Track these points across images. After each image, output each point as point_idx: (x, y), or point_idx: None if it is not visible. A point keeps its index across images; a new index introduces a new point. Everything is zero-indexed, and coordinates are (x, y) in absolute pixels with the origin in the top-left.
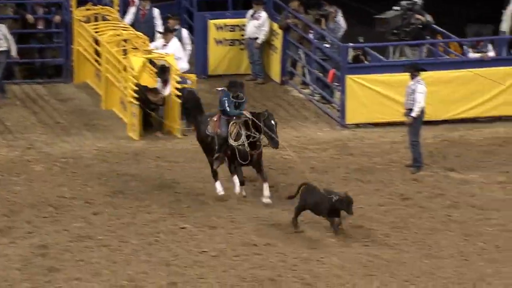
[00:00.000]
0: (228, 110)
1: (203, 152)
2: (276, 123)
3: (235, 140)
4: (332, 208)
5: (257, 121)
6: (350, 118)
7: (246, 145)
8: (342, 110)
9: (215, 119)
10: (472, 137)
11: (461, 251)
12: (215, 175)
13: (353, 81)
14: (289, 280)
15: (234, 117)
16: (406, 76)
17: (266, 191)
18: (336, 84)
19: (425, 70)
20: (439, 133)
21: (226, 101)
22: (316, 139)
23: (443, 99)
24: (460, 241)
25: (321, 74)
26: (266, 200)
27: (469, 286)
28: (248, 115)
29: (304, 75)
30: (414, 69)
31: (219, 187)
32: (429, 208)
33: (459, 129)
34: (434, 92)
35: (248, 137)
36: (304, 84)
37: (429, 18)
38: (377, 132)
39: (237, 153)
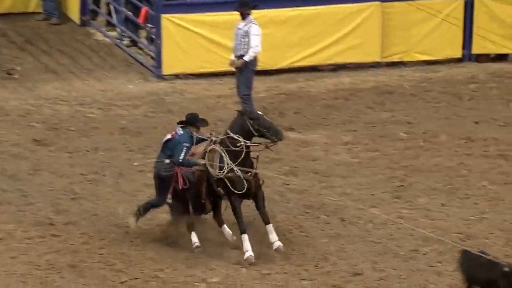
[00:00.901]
0: (181, 160)
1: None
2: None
3: (220, 169)
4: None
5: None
6: (168, 68)
7: (236, 169)
8: (157, 58)
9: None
10: (313, 90)
11: (301, 225)
12: (190, 227)
13: (170, 21)
14: (95, 266)
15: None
16: (235, 15)
17: (273, 234)
18: (150, 25)
19: (257, 8)
20: (274, 85)
21: (185, 148)
22: (126, 93)
23: (278, 44)
24: (300, 214)
25: (130, 13)
26: (277, 244)
27: (311, 267)
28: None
29: (109, 14)
30: (247, 6)
31: (194, 239)
32: (263, 175)
33: (297, 80)
34: (268, 36)
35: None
36: (110, 25)
37: None
38: (201, 84)
39: (229, 185)
